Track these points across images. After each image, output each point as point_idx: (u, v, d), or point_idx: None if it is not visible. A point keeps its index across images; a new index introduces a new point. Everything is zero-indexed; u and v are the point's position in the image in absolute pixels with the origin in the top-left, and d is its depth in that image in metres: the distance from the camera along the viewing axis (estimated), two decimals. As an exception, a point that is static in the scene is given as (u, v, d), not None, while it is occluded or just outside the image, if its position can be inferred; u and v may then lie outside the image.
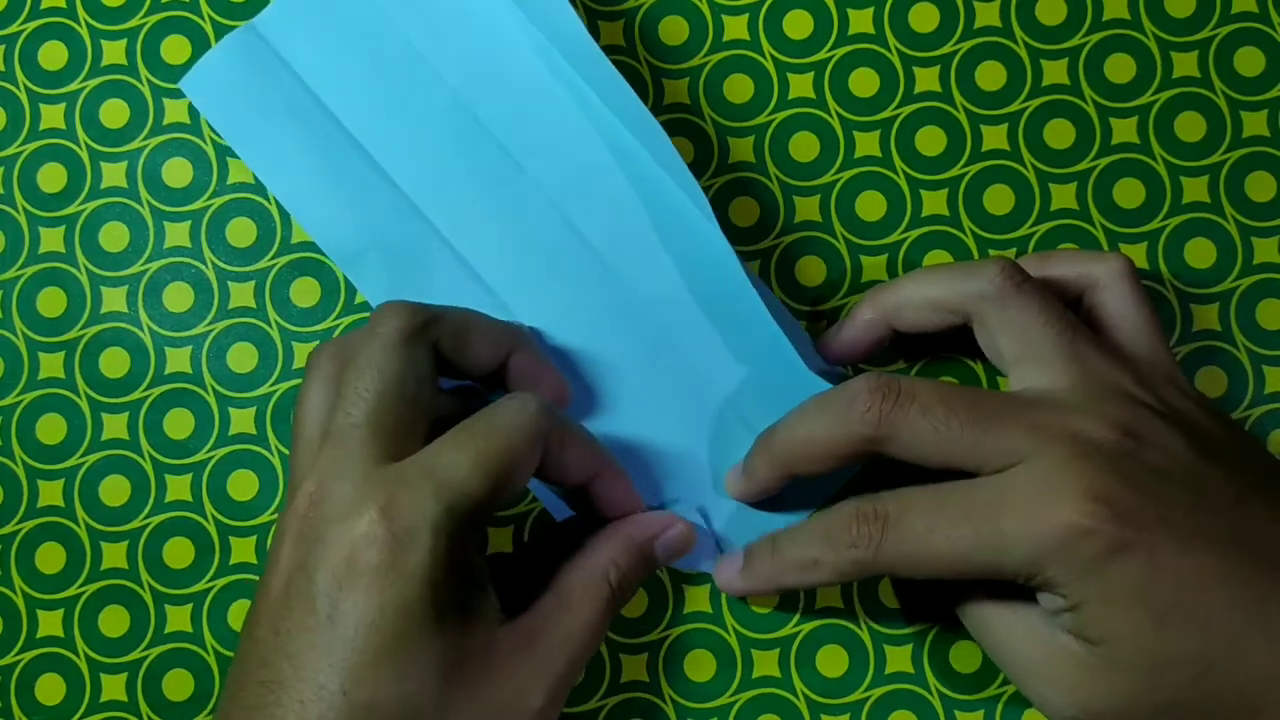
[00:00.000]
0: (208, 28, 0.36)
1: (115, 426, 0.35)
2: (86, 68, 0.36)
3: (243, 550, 0.35)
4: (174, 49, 0.36)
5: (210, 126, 0.35)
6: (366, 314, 0.35)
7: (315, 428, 0.29)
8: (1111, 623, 0.26)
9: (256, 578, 0.34)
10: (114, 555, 0.35)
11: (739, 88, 0.35)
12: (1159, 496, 0.26)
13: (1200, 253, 0.34)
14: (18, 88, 0.36)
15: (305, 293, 0.35)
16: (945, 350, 0.34)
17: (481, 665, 0.27)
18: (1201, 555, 0.26)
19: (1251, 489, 0.27)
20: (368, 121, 0.34)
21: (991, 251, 0.34)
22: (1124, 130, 0.34)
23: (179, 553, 0.35)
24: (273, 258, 0.35)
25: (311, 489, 0.27)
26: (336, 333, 0.35)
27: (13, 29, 0.36)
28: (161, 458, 0.35)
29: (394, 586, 0.26)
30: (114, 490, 0.35)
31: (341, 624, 0.26)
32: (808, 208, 0.35)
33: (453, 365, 0.30)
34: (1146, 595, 0.26)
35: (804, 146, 0.35)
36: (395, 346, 0.28)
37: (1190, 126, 0.34)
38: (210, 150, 0.36)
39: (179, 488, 0.35)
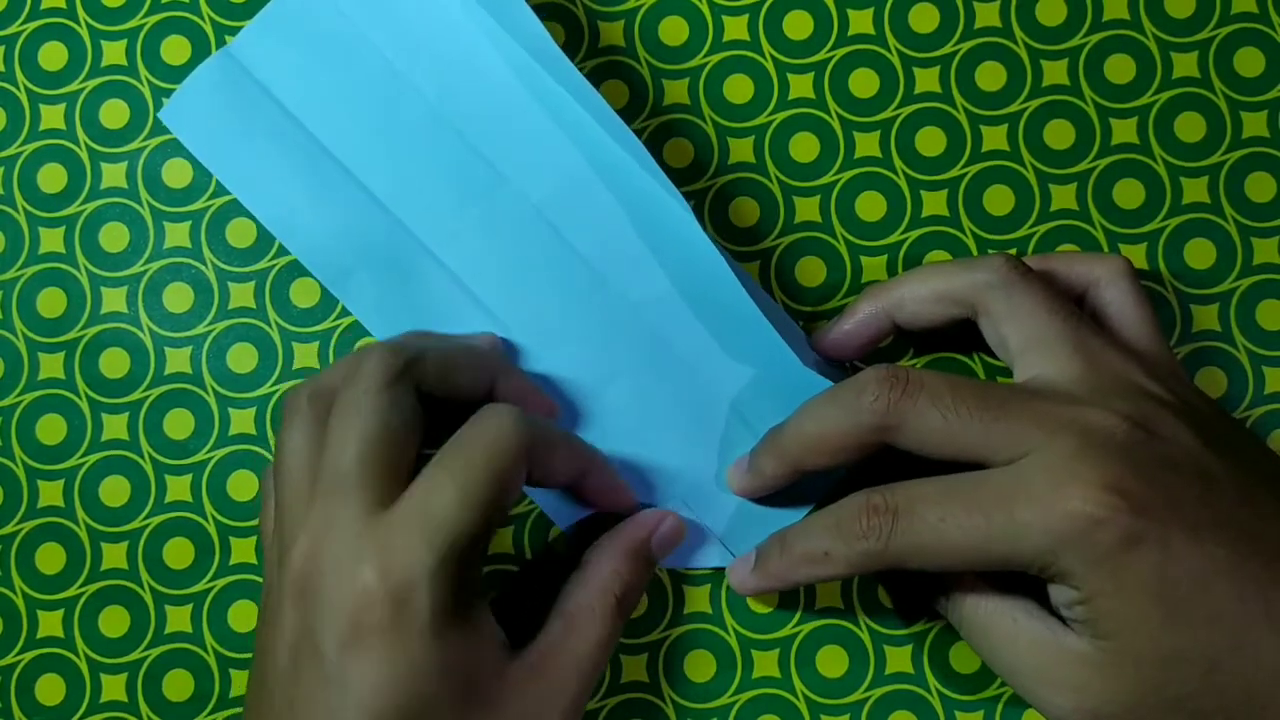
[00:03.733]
0: (208, 28, 0.36)
1: (115, 427, 0.35)
2: (86, 68, 0.36)
3: (243, 550, 0.35)
4: (174, 49, 0.36)
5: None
6: (366, 314, 0.35)
7: (302, 478, 0.28)
8: (1123, 615, 0.26)
9: (256, 578, 0.34)
10: (114, 555, 0.35)
11: (739, 88, 0.35)
12: (1170, 487, 0.26)
13: (1200, 253, 0.34)
14: (18, 88, 0.36)
15: (305, 293, 0.35)
16: (944, 349, 0.34)
17: (493, 702, 0.27)
18: (1212, 547, 0.26)
19: (1257, 483, 0.27)
20: (348, 140, 0.34)
21: (991, 252, 0.34)
22: (1124, 131, 0.34)
23: (179, 553, 0.35)
24: (273, 258, 0.35)
25: (307, 546, 0.27)
26: (336, 333, 0.35)
27: (13, 29, 0.36)
28: (161, 458, 0.35)
29: (400, 644, 0.26)
30: (114, 490, 0.35)
31: (353, 689, 0.26)
32: (808, 208, 0.35)
33: (437, 400, 0.30)
34: (1158, 587, 0.26)
35: (804, 147, 0.35)
36: (378, 391, 0.28)
37: (1190, 127, 0.34)
38: (210, 150, 0.36)
39: (179, 488, 0.35)
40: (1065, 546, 0.26)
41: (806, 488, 0.33)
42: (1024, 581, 0.28)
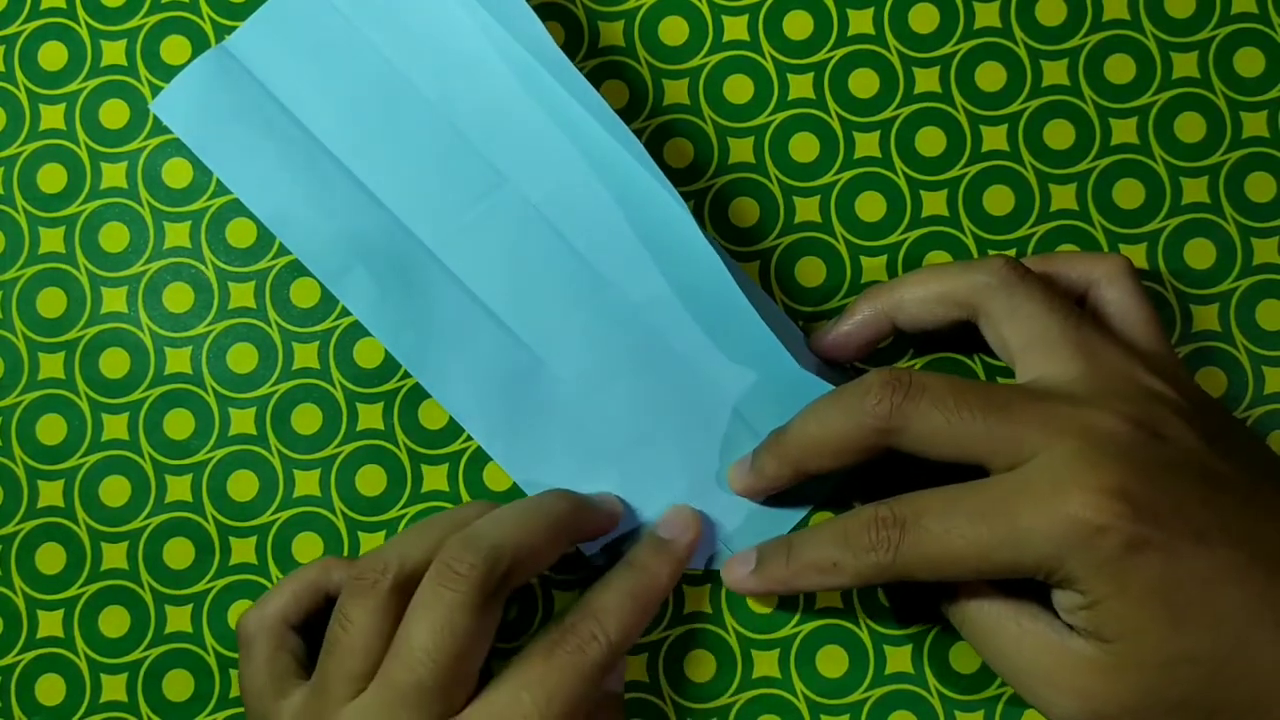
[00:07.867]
0: (208, 28, 0.36)
1: (115, 427, 0.35)
2: (86, 68, 0.36)
3: (243, 550, 0.35)
4: (174, 49, 0.36)
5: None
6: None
7: (356, 662, 0.28)
8: (1128, 619, 0.26)
9: (257, 578, 0.34)
10: (114, 555, 0.35)
11: (739, 88, 0.35)
12: (1173, 490, 0.26)
13: (1200, 253, 0.34)
14: (18, 88, 0.36)
15: (305, 293, 0.35)
16: (944, 350, 0.34)
17: None
18: (1216, 549, 0.26)
19: (1261, 482, 0.28)
20: (347, 137, 0.34)
21: (991, 252, 0.34)
22: (1124, 131, 0.34)
23: (179, 553, 0.35)
24: (273, 258, 0.35)
25: None
26: (336, 333, 0.35)
27: (13, 29, 0.36)
28: (161, 458, 0.35)
29: None
30: (114, 490, 0.35)
31: None
32: (808, 208, 0.35)
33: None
34: (1163, 591, 0.26)
35: (804, 147, 0.35)
36: (472, 610, 0.28)
37: (1190, 127, 0.34)
38: (210, 150, 0.36)
39: (179, 488, 0.35)
40: (1068, 553, 0.26)
41: (806, 489, 0.33)
42: (1029, 585, 0.28)
